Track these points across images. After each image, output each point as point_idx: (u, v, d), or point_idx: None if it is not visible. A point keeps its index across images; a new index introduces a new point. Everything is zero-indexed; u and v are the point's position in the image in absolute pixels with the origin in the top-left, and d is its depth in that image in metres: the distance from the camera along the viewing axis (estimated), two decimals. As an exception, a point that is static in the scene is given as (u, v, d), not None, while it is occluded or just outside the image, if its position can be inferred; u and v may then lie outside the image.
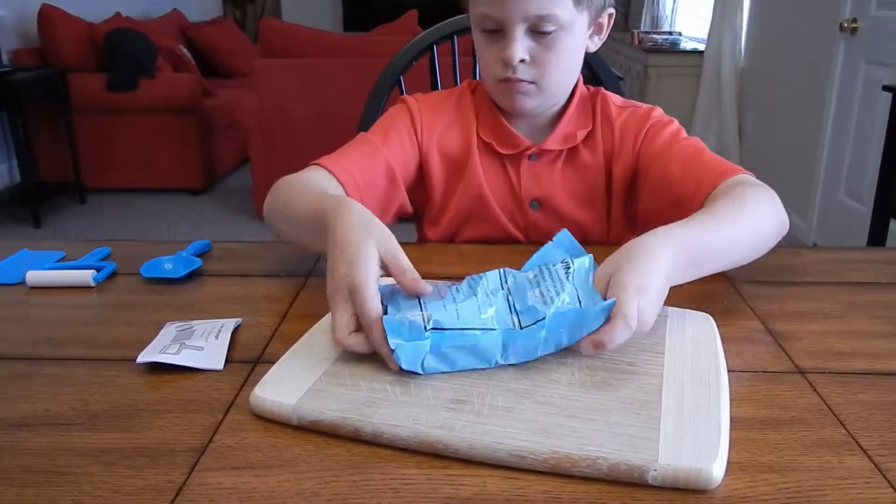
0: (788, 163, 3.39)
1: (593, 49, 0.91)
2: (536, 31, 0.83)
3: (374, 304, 0.57)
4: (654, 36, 4.69)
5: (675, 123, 0.92)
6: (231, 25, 5.52)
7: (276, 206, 0.81)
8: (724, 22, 3.94)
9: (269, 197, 0.83)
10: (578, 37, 0.86)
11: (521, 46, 0.83)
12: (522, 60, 0.83)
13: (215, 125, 4.02)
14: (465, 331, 0.57)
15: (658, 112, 0.94)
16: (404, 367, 0.55)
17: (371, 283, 0.57)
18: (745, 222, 0.73)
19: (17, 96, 3.30)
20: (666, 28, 5.11)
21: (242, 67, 4.83)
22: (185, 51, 4.34)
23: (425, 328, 0.56)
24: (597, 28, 0.89)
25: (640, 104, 0.95)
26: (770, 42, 3.67)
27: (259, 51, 3.40)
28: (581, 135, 0.92)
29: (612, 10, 0.90)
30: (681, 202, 0.82)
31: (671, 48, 4.44)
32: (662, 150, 0.89)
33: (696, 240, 0.67)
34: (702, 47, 4.18)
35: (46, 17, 3.72)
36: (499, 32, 0.84)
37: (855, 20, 2.79)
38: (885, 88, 2.21)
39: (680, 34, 4.82)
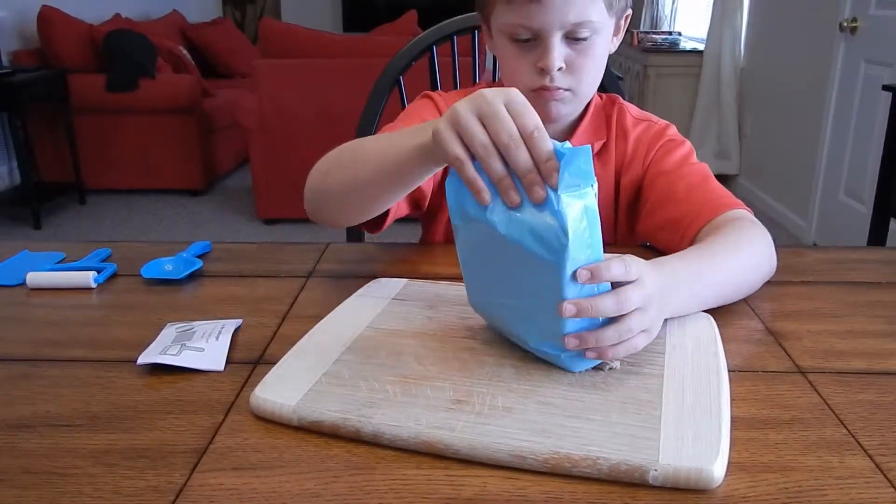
0: (788, 163, 3.39)
1: (613, 51, 0.89)
2: (571, 38, 0.81)
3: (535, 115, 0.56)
4: (653, 36, 4.68)
5: (688, 145, 0.92)
6: (231, 26, 5.52)
7: (342, 160, 0.76)
8: (724, 22, 3.94)
9: (323, 164, 0.78)
10: (607, 40, 0.85)
11: (559, 54, 0.81)
12: (560, 68, 0.82)
13: (215, 125, 4.02)
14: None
15: (673, 130, 0.93)
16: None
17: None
18: (739, 264, 0.72)
19: (17, 97, 3.29)
20: (665, 28, 5.11)
21: (242, 68, 4.83)
22: (184, 51, 4.34)
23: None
24: (615, 30, 0.88)
25: (656, 119, 0.95)
26: (770, 42, 3.67)
27: (259, 51, 3.40)
28: (597, 146, 0.92)
29: (629, 12, 0.89)
30: (677, 223, 0.82)
31: (671, 48, 4.44)
32: (671, 170, 0.88)
33: (688, 276, 0.66)
34: (701, 47, 4.18)
35: (46, 18, 3.72)
36: (532, 41, 0.82)
37: (855, 20, 2.79)
38: (885, 88, 2.22)
39: (679, 34, 4.82)
